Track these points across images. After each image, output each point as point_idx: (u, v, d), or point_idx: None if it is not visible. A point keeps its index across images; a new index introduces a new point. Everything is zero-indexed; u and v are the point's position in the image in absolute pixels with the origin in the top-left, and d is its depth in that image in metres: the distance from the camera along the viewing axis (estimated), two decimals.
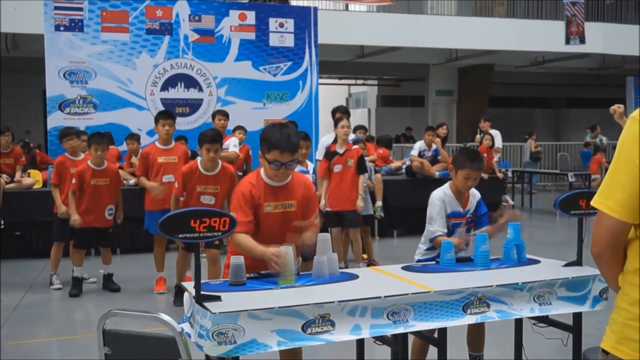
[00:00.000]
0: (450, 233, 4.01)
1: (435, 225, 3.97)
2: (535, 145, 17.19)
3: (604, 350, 1.86)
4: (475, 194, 4.12)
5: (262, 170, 3.51)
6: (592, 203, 1.86)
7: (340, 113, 7.89)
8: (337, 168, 7.23)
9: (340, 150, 7.25)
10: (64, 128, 7.69)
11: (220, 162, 5.93)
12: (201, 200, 5.77)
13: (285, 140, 3.35)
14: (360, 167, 7.33)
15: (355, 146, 7.49)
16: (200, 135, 5.86)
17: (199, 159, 5.93)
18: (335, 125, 7.39)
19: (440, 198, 4.01)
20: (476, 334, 4.09)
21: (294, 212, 3.50)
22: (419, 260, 4.07)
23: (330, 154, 7.29)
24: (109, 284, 6.95)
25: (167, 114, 7.00)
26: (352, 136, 7.68)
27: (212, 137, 5.81)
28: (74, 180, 6.73)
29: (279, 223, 3.46)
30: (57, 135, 9.58)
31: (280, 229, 3.43)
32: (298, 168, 6.21)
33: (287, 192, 3.50)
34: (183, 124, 10.22)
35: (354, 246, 7.59)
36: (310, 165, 6.69)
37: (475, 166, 3.95)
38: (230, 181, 5.90)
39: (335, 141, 7.40)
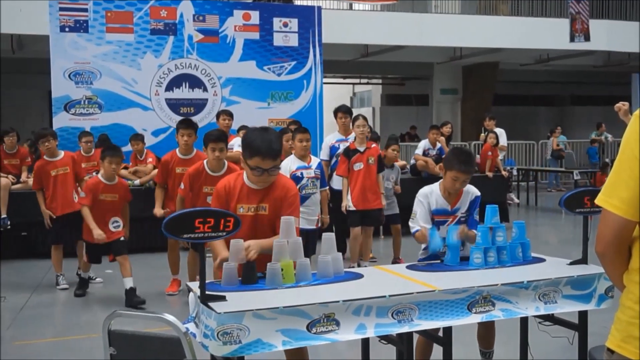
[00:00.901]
0: None
1: (415, 221, 3.91)
2: (557, 143, 17.11)
3: (609, 349, 1.85)
4: (470, 192, 3.99)
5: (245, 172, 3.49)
6: (596, 201, 1.85)
7: (342, 113, 7.89)
8: (358, 166, 7.19)
9: (361, 149, 7.23)
10: (39, 129, 7.38)
11: (226, 163, 5.93)
12: (208, 202, 5.75)
13: (267, 146, 3.30)
14: (380, 166, 7.35)
15: (374, 144, 7.48)
16: (205, 136, 5.86)
17: (205, 160, 5.93)
18: (353, 124, 7.40)
19: (424, 194, 3.95)
20: (487, 330, 4.07)
21: (266, 216, 3.44)
22: (420, 260, 4.03)
23: (350, 152, 7.24)
24: (132, 299, 6.19)
25: (187, 123, 6.70)
26: (352, 135, 7.65)
27: (217, 136, 5.82)
28: (83, 195, 6.44)
29: (250, 226, 3.39)
30: (67, 137, 9.68)
31: (250, 233, 3.37)
32: (298, 164, 6.25)
33: (263, 195, 3.44)
34: None
35: (365, 243, 7.55)
36: (315, 160, 6.55)
37: (463, 169, 3.81)
38: None
39: (343, 139, 7.38)
